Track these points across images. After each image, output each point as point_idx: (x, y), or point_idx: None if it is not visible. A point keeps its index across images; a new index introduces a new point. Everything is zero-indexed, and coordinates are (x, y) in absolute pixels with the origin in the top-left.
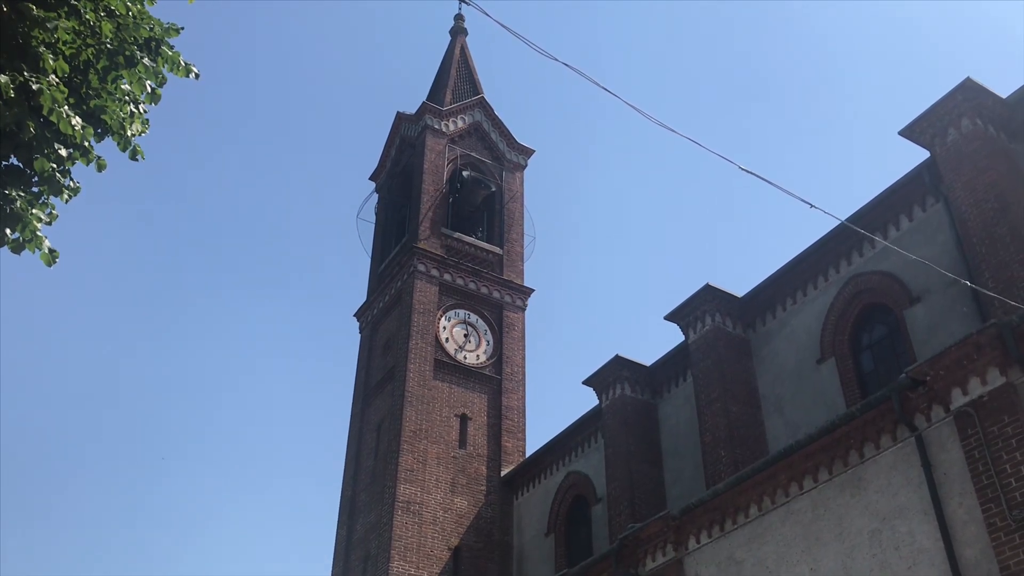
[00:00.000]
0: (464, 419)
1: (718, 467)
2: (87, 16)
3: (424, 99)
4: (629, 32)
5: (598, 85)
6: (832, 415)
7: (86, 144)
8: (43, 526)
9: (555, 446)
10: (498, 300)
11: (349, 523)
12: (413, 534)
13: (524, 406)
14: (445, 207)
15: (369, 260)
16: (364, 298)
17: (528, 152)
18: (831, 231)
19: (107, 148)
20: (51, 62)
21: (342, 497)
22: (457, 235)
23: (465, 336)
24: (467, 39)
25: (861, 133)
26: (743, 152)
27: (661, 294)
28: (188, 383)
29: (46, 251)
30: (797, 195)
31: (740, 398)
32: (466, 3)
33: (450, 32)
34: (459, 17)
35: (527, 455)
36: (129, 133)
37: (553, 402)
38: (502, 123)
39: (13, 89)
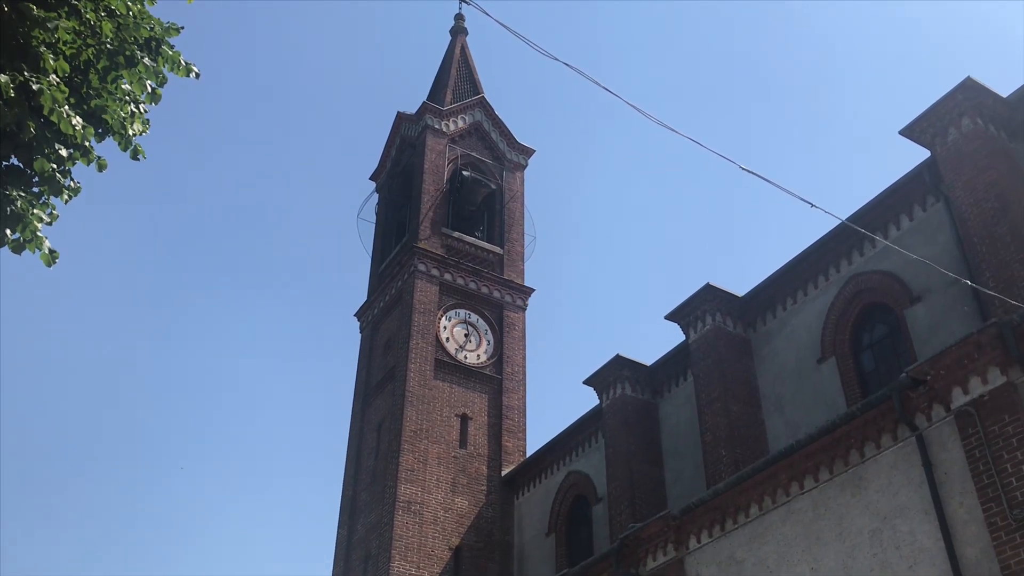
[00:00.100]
0: (465, 419)
1: (719, 467)
2: (87, 16)
3: (424, 99)
4: (629, 32)
5: (598, 85)
6: (833, 414)
7: (86, 144)
8: (43, 526)
9: (556, 446)
10: (498, 300)
11: (350, 523)
12: (414, 534)
13: (525, 406)
14: (445, 207)
15: (369, 260)
16: (364, 298)
17: (528, 152)
18: (831, 230)
19: (107, 148)
20: (51, 62)
21: (343, 497)
22: (457, 235)
23: (466, 336)
24: (467, 39)
25: (861, 133)
26: (743, 152)
27: (661, 294)
28: (188, 383)
29: (46, 251)
30: (797, 194)
31: (741, 398)
32: (466, 3)
33: (450, 32)
34: (459, 17)
35: (528, 455)
36: (130, 133)
37: (553, 402)
38: (502, 123)
39: (13, 89)
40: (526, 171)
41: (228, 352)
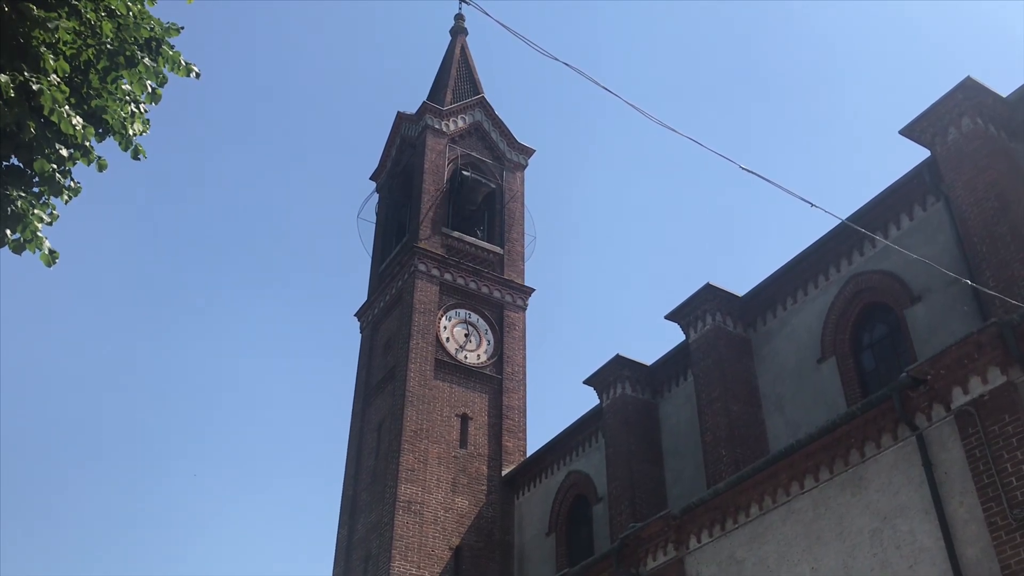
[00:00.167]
0: (465, 419)
1: (719, 466)
2: (87, 16)
3: (424, 99)
4: (629, 32)
5: (598, 85)
6: (833, 414)
7: (87, 144)
8: (43, 526)
9: (556, 446)
10: (499, 300)
11: (350, 523)
12: (414, 534)
13: (525, 406)
14: (446, 207)
15: (370, 260)
16: (365, 298)
17: (528, 152)
18: (832, 230)
19: (107, 148)
20: (52, 62)
21: (343, 497)
22: (458, 235)
23: (466, 336)
24: (467, 39)
25: (861, 132)
26: (743, 151)
27: (662, 293)
28: (188, 383)
29: (46, 251)
30: (798, 194)
31: (741, 397)
32: (466, 3)
33: (450, 32)
34: (459, 17)
35: (528, 455)
36: (130, 133)
37: (554, 402)
38: (502, 123)
39: (13, 89)
40: (526, 171)
41: (228, 352)
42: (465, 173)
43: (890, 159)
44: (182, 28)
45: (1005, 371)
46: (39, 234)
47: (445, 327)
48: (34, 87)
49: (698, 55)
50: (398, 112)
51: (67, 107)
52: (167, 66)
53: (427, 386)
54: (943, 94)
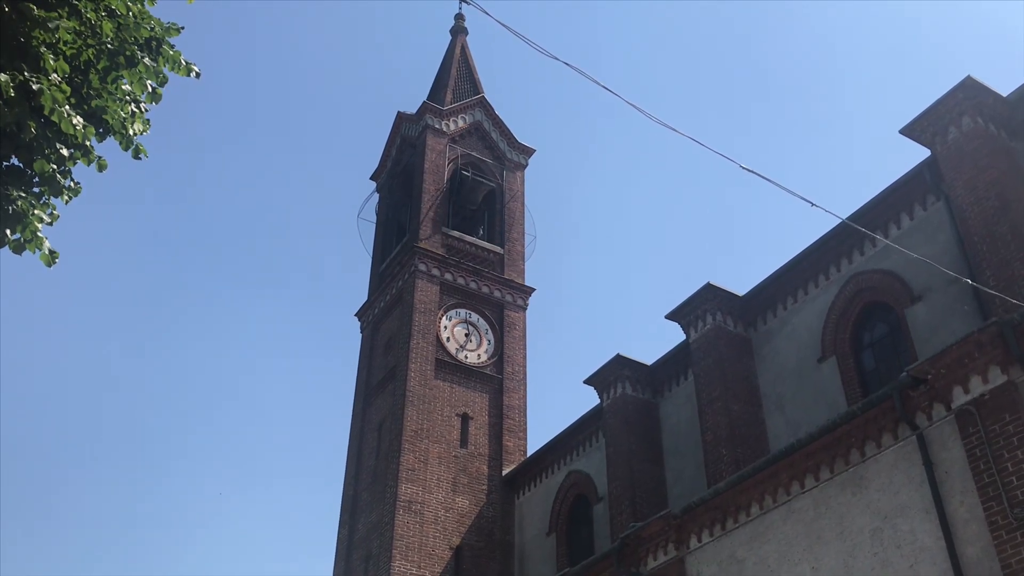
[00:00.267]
0: (465, 418)
1: (719, 466)
2: (88, 16)
3: (425, 99)
4: (629, 31)
5: (599, 84)
6: (833, 414)
7: (87, 144)
8: (43, 526)
9: (556, 445)
10: (499, 299)
11: (351, 523)
12: (415, 533)
13: (525, 405)
14: (446, 207)
15: (370, 260)
16: (365, 298)
17: (529, 151)
18: (832, 230)
19: (107, 148)
20: (52, 62)
21: (343, 497)
22: (458, 234)
23: (466, 335)
24: (467, 38)
25: (862, 131)
26: (744, 151)
27: (662, 293)
28: (189, 383)
29: (46, 251)
30: (798, 194)
31: (741, 397)
32: (467, 2)
33: (450, 31)
34: (459, 16)
35: (528, 454)
36: (130, 133)
37: (554, 401)
38: (503, 122)
39: (13, 88)
40: (526, 171)
41: (228, 352)
42: (465, 173)
43: (890, 158)
44: (182, 28)
45: (1005, 370)
46: (39, 234)
47: (445, 327)
48: (34, 87)
49: (698, 55)
50: (398, 112)
51: (67, 107)
52: (167, 66)
53: (427, 386)
54: (943, 93)
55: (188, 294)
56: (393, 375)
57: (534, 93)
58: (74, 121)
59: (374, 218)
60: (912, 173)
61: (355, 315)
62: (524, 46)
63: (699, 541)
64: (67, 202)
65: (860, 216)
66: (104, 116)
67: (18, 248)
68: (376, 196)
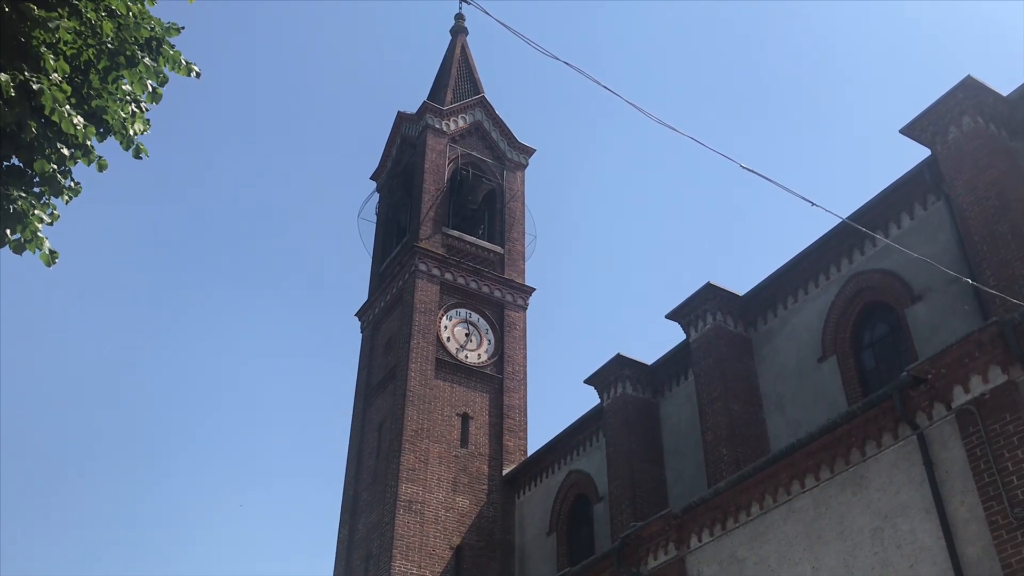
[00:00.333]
0: (466, 418)
1: (719, 465)
2: (88, 16)
3: (425, 98)
4: (630, 31)
5: (599, 84)
6: (833, 413)
7: (88, 144)
8: (43, 526)
9: (556, 445)
10: (499, 299)
11: (351, 522)
12: (415, 533)
13: (525, 405)
14: (446, 206)
15: (370, 259)
16: (365, 297)
17: (529, 151)
18: (832, 229)
19: (107, 148)
20: (52, 62)
21: (344, 497)
22: (458, 234)
23: (466, 335)
24: (468, 38)
25: (862, 131)
26: (744, 151)
27: (662, 293)
28: (189, 383)
29: (46, 251)
30: (798, 193)
31: (741, 397)
32: (467, 2)
33: (451, 31)
34: (460, 16)
35: (529, 454)
36: (131, 133)
37: (554, 401)
38: (503, 122)
39: (14, 88)
40: (527, 170)
41: (229, 352)
42: (465, 172)
43: (891, 158)
44: (182, 28)
45: (1006, 370)
46: (39, 234)
47: (446, 327)
48: (35, 87)
49: (698, 55)
50: (398, 112)
51: (68, 107)
52: (167, 66)
53: (428, 386)
54: (944, 93)
55: (188, 294)
56: (393, 375)
57: (534, 93)
58: (74, 121)
59: (374, 218)
60: (912, 173)
61: (355, 315)
62: (524, 46)
63: (699, 541)
64: (67, 202)
65: (860, 216)
66: (104, 116)
67: (18, 248)
68: (376, 196)
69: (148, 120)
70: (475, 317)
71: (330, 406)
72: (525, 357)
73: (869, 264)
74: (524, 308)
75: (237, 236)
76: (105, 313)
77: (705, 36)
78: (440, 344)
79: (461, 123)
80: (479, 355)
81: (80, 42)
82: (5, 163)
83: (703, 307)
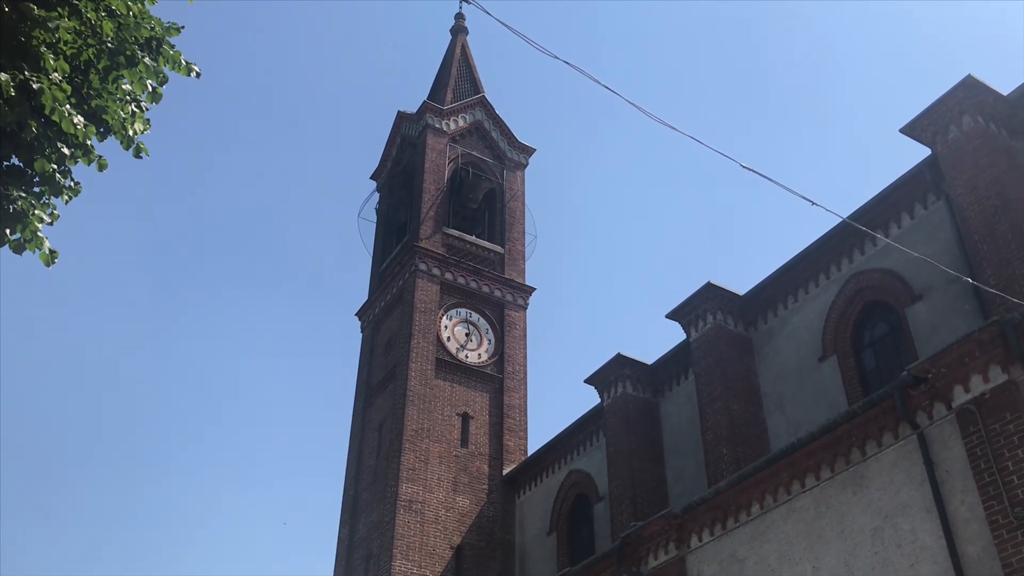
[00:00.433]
0: (466, 418)
1: (720, 465)
2: (88, 16)
3: (425, 98)
4: (630, 30)
5: (599, 83)
6: (834, 413)
7: (88, 143)
8: (43, 526)
9: (557, 445)
10: (499, 299)
11: (351, 522)
12: (415, 533)
13: (526, 405)
14: (446, 206)
15: (370, 259)
16: (365, 297)
17: (529, 151)
18: (832, 229)
19: (107, 147)
20: (52, 62)
21: (344, 496)
22: (458, 234)
23: (467, 335)
24: (468, 38)
25: (862, 130)
26: (744, 150)
27: (662, 292)
28: (189, 383)
29: (46, 251)
30: (798, 193)
31: (742, 396)
32: (467, 2)
33: (451, 31)
34: (460, 16)
35: (529, 454)
36: (131, 132)
37: (555, 401)
38: (503, 122)
39: (14, 88)
40: (527, 170)
41: (229, 352)
42: (465, 172)
43: (891, 157)
44: (182, 28)
45: (1006, 369)
46: (39, 234)
47: (446, 326)
48: (35, 86)
49: (698, 54)
50: (398, 111)
51: (68, 106)
52: (167, 65)
53: (428, 385)
54: (944, 92)
55: (188, 294)
56: (394, 375)
57: (534, 93)
58: (75, 120)
59: (374, 218)
60: (912, 172)
61: (355, 315)
62: (524, 46)
63: (700, 540)
64: (67, 202)
65: (860, 215)
66: (104, 116)
67: (18, 248)
68: (376, 195)
69: (148, 120)
70: (475, 317)
71: (330, 406)
72: (525, 357)
73: (869, 264)
74: (524, 308)
75: (237, 236)
76: (105, 313)
77: (705, 36)
78: (440, 344)
79: (461, 123)
80: (479, 355)
81: (80, 42)
82: (5, 163)
83: (703, 307)
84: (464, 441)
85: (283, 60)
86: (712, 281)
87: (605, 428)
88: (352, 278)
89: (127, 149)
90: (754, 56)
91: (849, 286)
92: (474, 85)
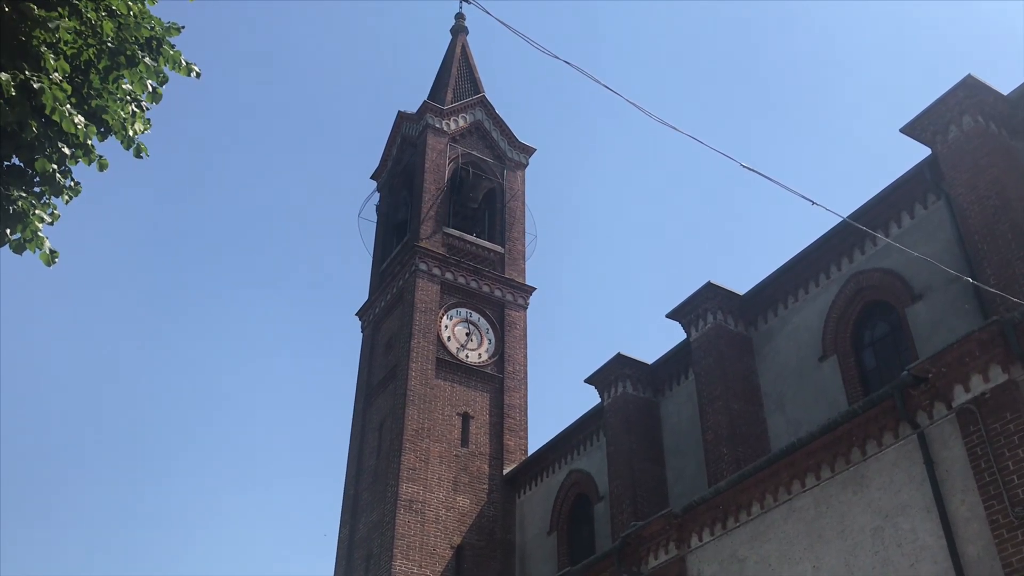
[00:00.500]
0: (466, 418)
1: (720, 465)
2: (88, 16)
3: (425, 98)
4: (630, 30)
5: (599, 83)
6: (834, 412)
7: (88, 143)
8: (43, 526)
9: (557, 444)
10: (500, 299)
11: (352, 522)
12: (416, 533)
13: (526, 404)
14: (446, 206)
15: (371, 259)
16: (366, 297)
17: (529, 151)
18: (833, 228)
19: (107, 148)
20: (52, 62)
21: (344, 496)
22: (458, 234)
23: (467, 335)
24: (468, 38)
25: (862, 130)
26: (744, 150)
27: (663, 292)
28: (189, 382)
29: (46, 251)
30: (799, 192)
31: (742, 396)
32: (467, 2)
33: (451, 31)
34: (460, 16)
35: (529, 453)
36: (131, 132)
37: (555, 400)
38: (503, 122)
39: (14, 88)
40: (527, 170)
41: (229, 352)
42: (466, 172)
43: (891, 157)
44: (182, 28)
45: (1006, 369)
46: (39, 234)
47: (446, 326)
48: (35, 86)
49: (698, 54)
50: (399, 111)
51: (68, 106)
52: (168, 65)
53: (428, 385)
54: (944, 92)
55: (188, 293)
56: (394, 374)
57: (534, 93)
58: (75, 120)
59: (375, 217)
60: (913, 172)
61: (356, 314)
62: (524, 46)
63: (700, 540)
64: (67, 202)
65: (861, 215)
66: (104, 116)
67: (18, 248)
68: (377, 195)
69: (148, 120)
70: (475, 316)
71: (330, 406)
72: (525, 356)
73: (869, 263)
74: (524, 307)
75: (237, 236)
76: (105, 313)
77: (705, 36)
78: (440, 343)
79: (461, 122)
80: (479, 354)
81: (80, 42)
82: (5, 163)
83: (704, 306)
84: (464, 441)
85: (283, 60)
86: (712, 281)
87: (605, 428)
88: (352, 278)
89: (127, 149)
90: (754, 56)
91: (849, 286)
92: (474, 85)
